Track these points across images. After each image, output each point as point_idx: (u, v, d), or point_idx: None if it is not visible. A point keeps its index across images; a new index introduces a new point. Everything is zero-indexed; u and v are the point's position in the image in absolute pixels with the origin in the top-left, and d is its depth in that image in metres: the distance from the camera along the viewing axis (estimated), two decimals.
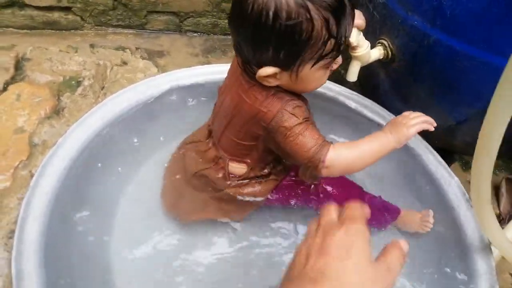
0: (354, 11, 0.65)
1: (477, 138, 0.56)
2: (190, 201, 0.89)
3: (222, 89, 0.80)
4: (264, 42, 0.62)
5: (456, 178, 0.89)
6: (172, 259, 0.87)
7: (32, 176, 0.84)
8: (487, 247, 0.79)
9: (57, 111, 1.02)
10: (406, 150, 0.94)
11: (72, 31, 1.43)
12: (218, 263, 0.88)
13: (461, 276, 0.81)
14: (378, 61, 0.92)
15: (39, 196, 0.76)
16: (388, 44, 0.92)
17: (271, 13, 0.59)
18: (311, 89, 0.72)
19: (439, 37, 0.82)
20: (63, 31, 1.42)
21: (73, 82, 1.11)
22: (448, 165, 0.93)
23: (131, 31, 1.46)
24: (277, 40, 0.61)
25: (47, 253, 0.71)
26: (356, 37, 0.78)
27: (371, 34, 0.91)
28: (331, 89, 1.03)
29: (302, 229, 0.93)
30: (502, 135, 0.53)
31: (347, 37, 0.64)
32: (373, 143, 0.70)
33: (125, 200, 0.94)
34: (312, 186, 0.86)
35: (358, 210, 0.47)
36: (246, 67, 0.69)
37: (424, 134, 0.90)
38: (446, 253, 0.86)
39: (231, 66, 0.78)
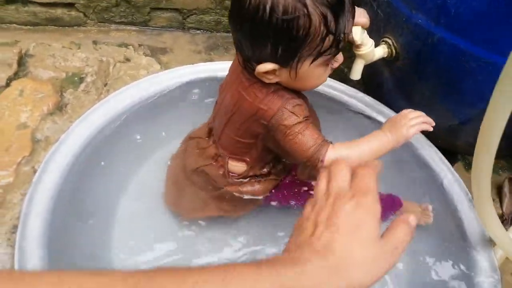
0: (354, 8, 0.65)
1: None
2: (190, 201, 0.89)
3: (223, 87, 0.80)
4: (262, 37, 0.62)
5: (458, 178, 0.89)
6: (173, 257, 0.87)
7: (34, 172, 0.85)
8: (489, 246, 0.79)
9: (59, 107, 1.02)
10: (408, 148, 0.93)
11: (75, 27, 1.43)
12: (218, 262, 0.88)
13: (462, 270, 0.81)
14: (382, 59, 0.92)
15: (42, 192, 0.77)
16: (392, 43, 0.91)
17: (268, 8, 0.58)
18: (311, 87, 0.71)
19: (443, 35, 0.82)
20: (66, 27, 1.42)
21: (76, 78, 1.11)
22: (451, 165, 0.92)
23: (134, 28, 1.45)
24: (275, 36, 0.61)
25: (49, 249, 0.71)
26: (360, 35, 0.78)
27: (375, 33, 0.91)
28: (334, 87, 1.03)
29: None
30: (502, 130, 0.53)
31: (346, 33, 0.64)
32: (372, 143, 0.70)
33: (127, 198, 0.95)
34: (313, 184, 0.86)
35: (371, 180, 0.46)
36: (247, 64, 0.69)
37: (427, 134, 0.90)
38: (448, 248, 0.86)
39: (232, 63, 0.78)
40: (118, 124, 0.94)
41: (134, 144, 1.00)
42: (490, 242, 0.80)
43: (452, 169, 0.91)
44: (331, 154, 0.67)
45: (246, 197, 0.84)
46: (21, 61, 1.13)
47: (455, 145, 1.04)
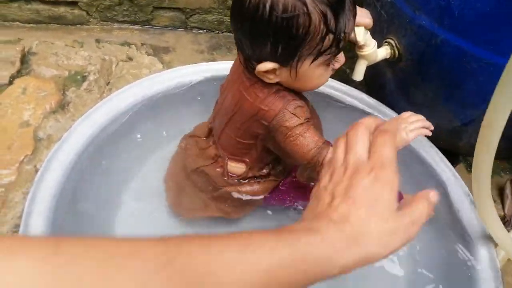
0: (355, 8, 0.65)
1: None
2: (190, 201, 0.89)
3: (224, 87, 0.80)
4: (261, 36, 0.62)
5: (460, 179, 0.89)
6: None
7: (37, 170, 0.85)
8: (491, 248, 0.79)
9: (62, 106, 1.02)
10: (409, 149, 0.93)
11: (78, 26, 1.43)
12: None
13: (464, 271, 0.81)
14: (385, 60, 0.92)
15: (44, 191, 0.77)
16: (395, 44, 0.91)
17: (267, 6, 0.58)
18: (312, 87, 0.71)
19: (447, 37, 0.82)
20: (69, 25, 1.42)
21: (79, 76, 1.11)
22: (453, 167, 0.92)
23: (136, 27, 1.46)
24: (275, 34, 0.61)
25: None
26: (363, 36, 0.78)
27: (378, 33, 0.90)
28: (336, 88, 1.03)
29: None
30: (502, 129, 0.54)
31: (346, 33, 0.64)
32: None
33: (128, 196, 0.95)
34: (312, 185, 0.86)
35: (390, 149, 0.45)
36: (247, 63, 0.69)
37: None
38: (449, 249, 0.86)
39: (233, 63, 0.78)
40: (120, 123, 0.94)
41: (136, 143, 1.00)
42: (492, 244, 0.80)
43: (454, 170, 0.91)
44: None
45: (245, 197, 0.84)
46: (24, 59, 1.14)
47: (457, 146, 1.04)
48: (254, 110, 0.70)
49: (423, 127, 0.72)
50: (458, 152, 1.09)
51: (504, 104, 0.50)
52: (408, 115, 0.73)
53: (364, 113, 1.00)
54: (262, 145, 0.76)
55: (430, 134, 0.73)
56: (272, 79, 0.67)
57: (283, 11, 0.58)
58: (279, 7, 0.58)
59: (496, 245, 0.79)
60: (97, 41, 1.36)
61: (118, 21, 1.44)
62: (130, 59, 1.25)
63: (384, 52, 0.90)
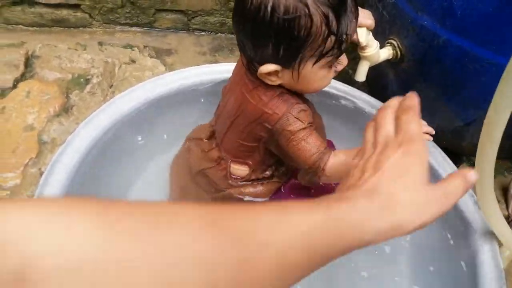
0: (357, 9, 0.65)
1: None
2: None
3: (227, 89, 0.80)
4: (263, 37, 0.62)
5: None
6: None
7: (41, 173, 0.85)
8: (495, 247, 0.79)
9: (66, 109, 1.03)
10: None
11: (81, 28, 1.43)
12: None
13: (467, 270, 0.81)
14: (387, 61, 0.92)
15: (49, 194, 0.77)
16: (397, 44, 0.91)
17: (269, 7, 0.59)
18: (314, 90, 0.71)
19: (449, 37, 0.82)
20: (72, 28, 1.43)
21: (82, 79, 1.12)
22: (456, 167, 0.92)
23: (139, 29, 1.46)
24: (276, 36, 0.61)
25: None
26: (365, 37, 0.78)
27: (381, 34, 0.90)
28: (339, 88, 1.03)
29: None
30: (505, 123, 0.54)
31: (348, 34, 0.63)
32: None
33: (132, 198, 0.95)
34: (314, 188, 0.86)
35: (416, 124, 0.46)
36: (250, 65, 0.69)
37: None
38: (452, 248, 0.86)
39: (236, 65, 0.78)
40: (123, 126, 0.94)
41: (139, 146, 1.01)
42: (495, 243, 0.80)
43: (457, 170, 0.91)
44: (332, 162, 0.68)
45: (248, 199, 0.84)
46: (28, 62, 1.14)
47: (460, 147, 1.04)
48: (257, 113, 0.70)
49: (425, 132, 0.72)
50: (461, 152, 1.09)
51: (507, 100, 0.50)
52: None
53: (367, 114, 1.00)
54: (264, 148, 0.76)
55: (431, 139, 0.73)
56: (274, 81, 0.67)
57: (284, 12, 0.58)
58: (281, 8, 0.58)
59: (500, 245, 0.79)
60: (100, 43, 1.36)
61: (120, 24, 1.45)
62: (133, 61, 1.26)
63: (386, 53, 0.90)
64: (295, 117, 0.68)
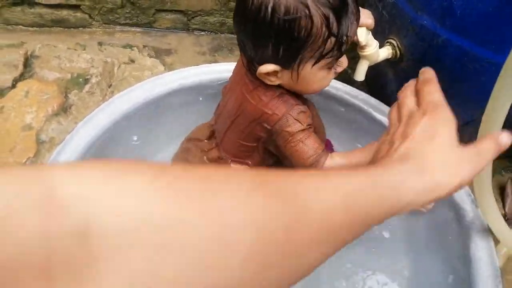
0: (359, 11, 0.64)
1: None
2: None
3: (227, 89, 0.80)
4: (263, 38, 0.62)
5: None
6: None
7: None
8: (491, 244, 0.79)
9: (64, 109, 1.03)
10: None
11: (81, 29, 1.43)
12: None
13: (464, 267, 0.80)
14: (386, 60, 0.91)
15: None
16: (397, 44, 0.91)
17: (269, 8, 0.58)
18: (313, 91, 0.71)
19: (449, 37, 0.81)
20: (72, 28, 1.43)
21: (81, 79, 1.12)
22: None
23: (139, 29, 1.46)
24: (276, 36, 0.61)
25: None
26: (365, 37, 0.78)
27: (380, 34, 0.90)
28: (337, 88, 1.03)
29: None
30: (503, 122, 0.54)
31: (349, 36, 0.63)
32: (368, 156, 0.70)
33: None
34: None
35: (437, 94, 0.47)
36: (250, 65, 0.69)
37: None
38: (449, 245, 0.86)
39: (236, 65, 0.78)
40: (122, 126, 0.94)
41: (138, 145, 1.00)
42: (491, 242, 0.79)
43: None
44: (328, 164, 0.68)
45: None
46: (27, 62, 1.14)
47: None
48: (257, 113, 0.70)
49: None
50: None
51: (504, 98, 0.50)
52: None
53: (366, 114, 1.00)
54: (264, 148, 0.76)
55: None
56: (274, 81, 0.67)
57: (285, 13, 0.58)
58: (281, 9, 0.58)
59: (496, 243, 0.78)
60: (100, 44, 1.36)
61: (120, 24, 1.45)
62: (132, 61, 1.26)
63: (385, 53, 0.90)
64: (295, 119, 0.68)
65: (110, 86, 1.14)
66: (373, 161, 0.46)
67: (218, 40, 1.47)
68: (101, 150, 0.89)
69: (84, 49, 1.31)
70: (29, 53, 1.17)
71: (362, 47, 0.81)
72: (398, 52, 0.91)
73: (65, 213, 0.21)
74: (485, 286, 0.75)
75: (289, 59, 0.63)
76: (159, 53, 1.37)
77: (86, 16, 1.41)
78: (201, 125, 0.90)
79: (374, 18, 0.78)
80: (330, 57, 0.64)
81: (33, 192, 0.21)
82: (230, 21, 1.44)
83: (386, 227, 0.94)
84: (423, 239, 0.90)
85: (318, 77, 0.67)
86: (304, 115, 0.69)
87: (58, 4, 1.37)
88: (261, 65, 0.65)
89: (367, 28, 0.78)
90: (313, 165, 0.68)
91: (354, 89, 1.03)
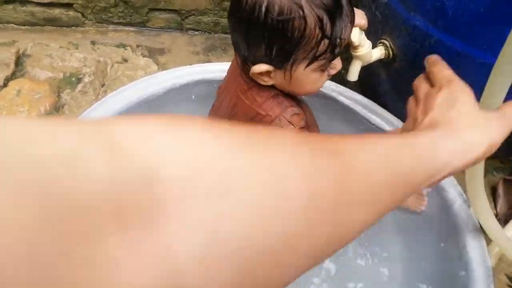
0: (353, 14, 0.64)
1: None
2: None
3: (222, 89, 0.79)
4: (257, 37, 0.62)
5: (453, 178, 0.89)
6: None
7: None
8: (483, 244, 0.79)
9: (57, 108, 1.02)
10: None
11: (73, 27, 1.43)
12: None
13: (456, 267, 0.81)
14: (379, 61, 0.92)
15: None
16: (390, 44, 0.91)
17: (263, 8, 0.58)
18: (306, 92, 0.71)
19: (441, 37, 0.82)
20: (64, 27, 1.42)
21: (73, 78, 1.11)
22: None
23: (132, 28, 1.46)
24: (270, 36, 0.60)
25: None
26: (358, 37, 0.78)
27: (373, 34, 0.91)
28: (331, 88, 1.03)
29: None
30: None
31: (342, 39, 0.63)
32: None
33: None
34: None
35: (448, 70, 0.49)
36: (244, 65, 0.69)
37: None
38: (442, 246, 0.86)
39: (230, 65, 0.78)
40: None
41: None
42: (483, 242, 0.80)
43: None
44: None
45: None
46: (19, 61, 1.13)
47: None
48: (251, 113, 0.70)
49: None
50: None
51: (496, 97, 0.51)
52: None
53: (359, 114, 1.01)
54: None
55: None
56: (267, 81, 0.67)
57: (278, 13, 0.58)
58: (275, 9, 0.58)
59: (488, 243, 0.79)
60: (92, 43, 1.35)
61: (113, 23, 1.44)
62: (125, 60, 1.25)
63: (378, 53, 0.91)
64: (288, 121, 0.68)
65: (103, 85, 1.13)
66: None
67: (212, 40, 1.47)
68: None
69: (77, 48, 1.30)
70: (20, 51, 1.16)
71: (355, 48, 0.81)
72: (390, 52, 0.92)
73: (130, 160, 0.21)
74: (477, 285, 0.75)
75: (282, 59, 0.63)
76: (152, 53, 1.37)
77: (79, 14, 1.40)
78: None
79: (367, 18, 0.78)
80: (323, 59, 0.64)
81: (97, 141, 0.21)
82: (224, 21, 1.44)
83: (381, 244, 0.94)
84: (413, 233, 0.90)
85: (311, 79, 0.67)
86: (298, 117, 0.69)
87: (50, 3, 1.36)
88: (254, 65, 0.65)
89: (360, 29, 0.78)
90: None
91: (347, 89, 1.04)
